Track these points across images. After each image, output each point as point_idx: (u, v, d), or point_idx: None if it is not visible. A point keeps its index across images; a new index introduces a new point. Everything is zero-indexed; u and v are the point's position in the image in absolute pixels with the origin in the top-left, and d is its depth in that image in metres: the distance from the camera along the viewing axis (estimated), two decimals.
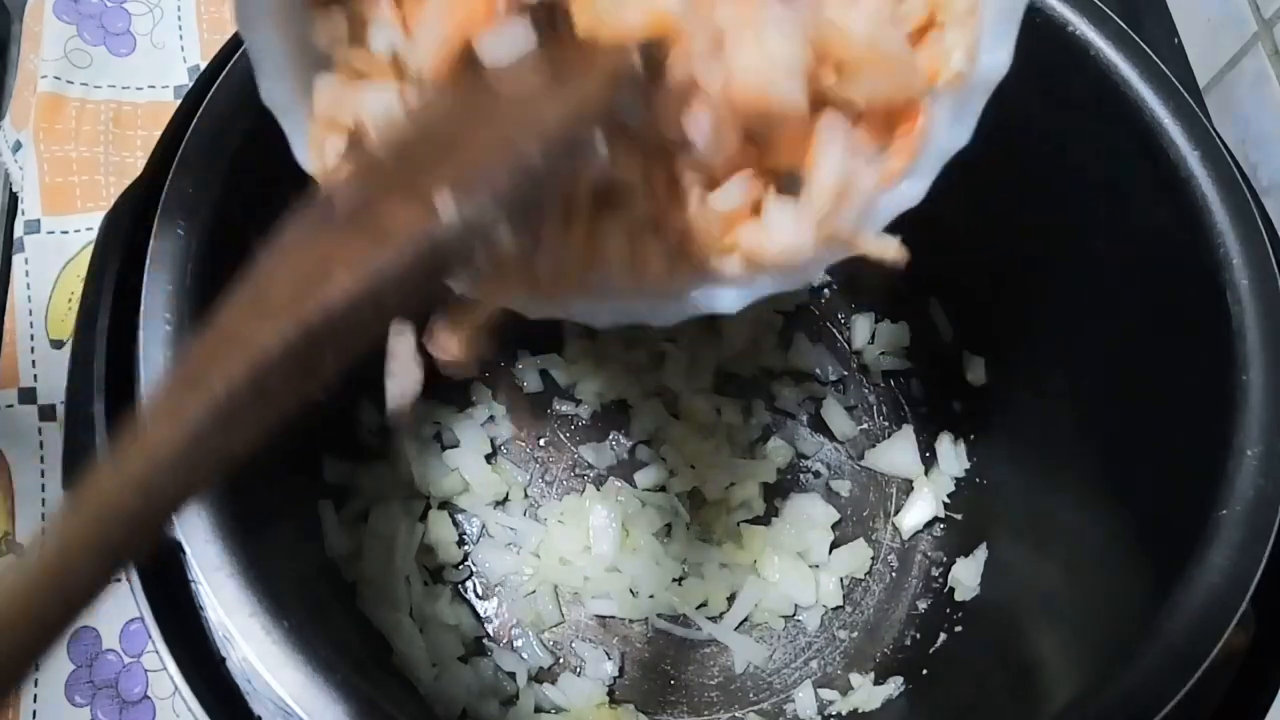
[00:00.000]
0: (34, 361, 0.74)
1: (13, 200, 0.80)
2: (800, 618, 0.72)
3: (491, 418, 0.75)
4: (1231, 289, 0.49)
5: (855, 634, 0.72)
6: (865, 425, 0.79)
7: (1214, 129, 0.53)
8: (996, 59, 0.38)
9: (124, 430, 0.29)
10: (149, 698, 0.67)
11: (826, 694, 0.69)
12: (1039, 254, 0.64)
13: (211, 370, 0.29)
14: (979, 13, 0.38)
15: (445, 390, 0.75)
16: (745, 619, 0.71)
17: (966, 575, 0.70)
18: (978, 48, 0.38)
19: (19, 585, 0.26)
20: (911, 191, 0.40)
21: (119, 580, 0.31)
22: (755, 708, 0.68)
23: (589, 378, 0.76)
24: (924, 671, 0.68)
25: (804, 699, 0.68)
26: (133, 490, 0.28)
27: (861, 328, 0.80)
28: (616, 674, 0.68)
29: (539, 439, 0.76)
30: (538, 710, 0.67)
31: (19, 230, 0.78)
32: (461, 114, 0.36)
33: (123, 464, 0.28)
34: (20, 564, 0.27)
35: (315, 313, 0.30)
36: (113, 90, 0.84)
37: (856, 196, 0.39)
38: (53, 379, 0.74)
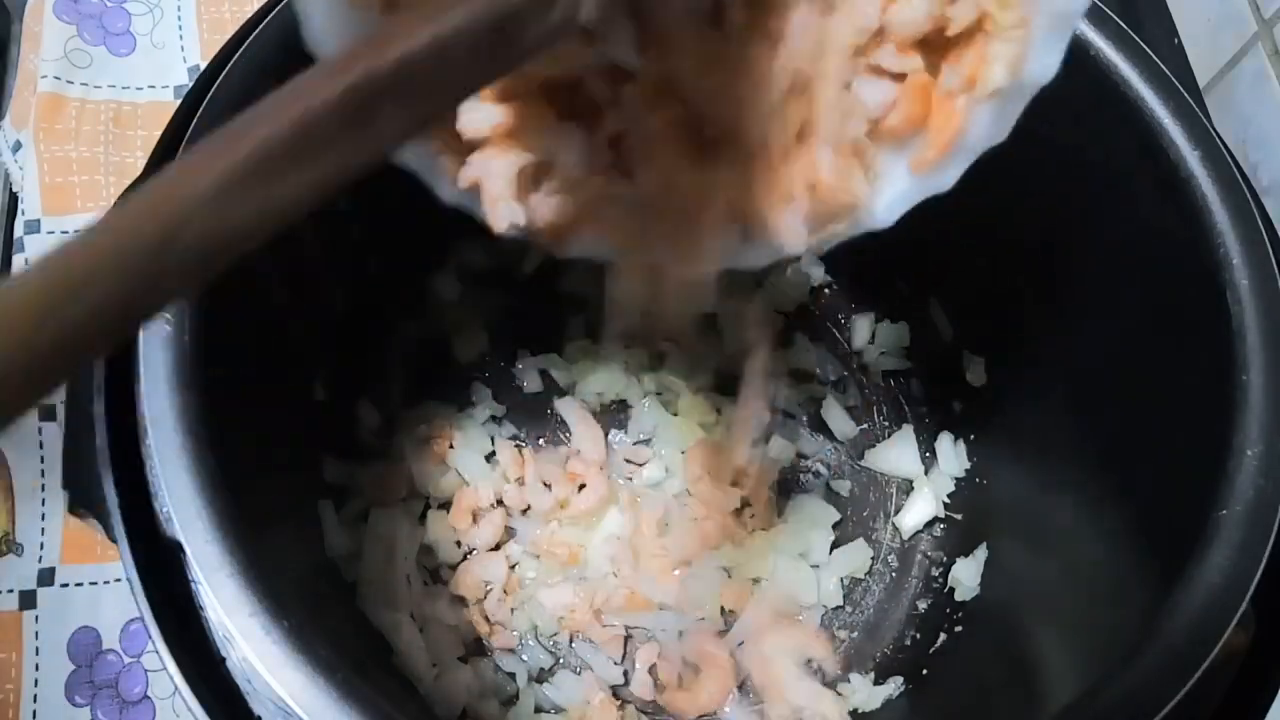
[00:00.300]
0: None
1: (13, 200, 0.80)
2: (801, 618, 0.72)
3: (492, 417, 0.75)
4: (1231, 289, 0.49)
5: (855, 634, 0.72)
6: (865, 425, 0.79)
7: (1214, 129, 0.53)
8: (1045, 65, 0.38)
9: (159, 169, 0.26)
10: (149, 698, 0.67)
11: (827, 694, 0.68)
12: (1039, 254, 0.64)
13: (259, 120, 0.28)
14: (1029, 28, 0.38)
15: (445, 390, 0.75)
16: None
17: (966, 575, 0.70)
18: (1022, 63, 0.38)
19: (22, 297, 0.24)
20: (942, 180, 0.40)
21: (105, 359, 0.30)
22: (756, 708, 0.68)
23: (589, 377, 0.76)
24: (924, 671, 0.68)
25: (804, 699, 0.68)
26: (162, 220, 0.26)
27: (861, 328, 0.80)
28: (617, 674, 0.68)
29: (539, 439, 0.76)
30: (538, 710, 0.67)
31: (19, 230, 0.78)
32: None
33: (155, 191, 0.26)
34: (27, 276, 0.24)
35: (374, 60, 0.29)
36: (113, 90, 0.84)
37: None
38: None
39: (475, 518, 0.70)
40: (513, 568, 0.70)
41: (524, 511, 0.72)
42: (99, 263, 0.25)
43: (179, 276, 0.27)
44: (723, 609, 0.70)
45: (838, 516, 0.74)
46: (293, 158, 0.28)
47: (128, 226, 0.26)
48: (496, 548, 0.70)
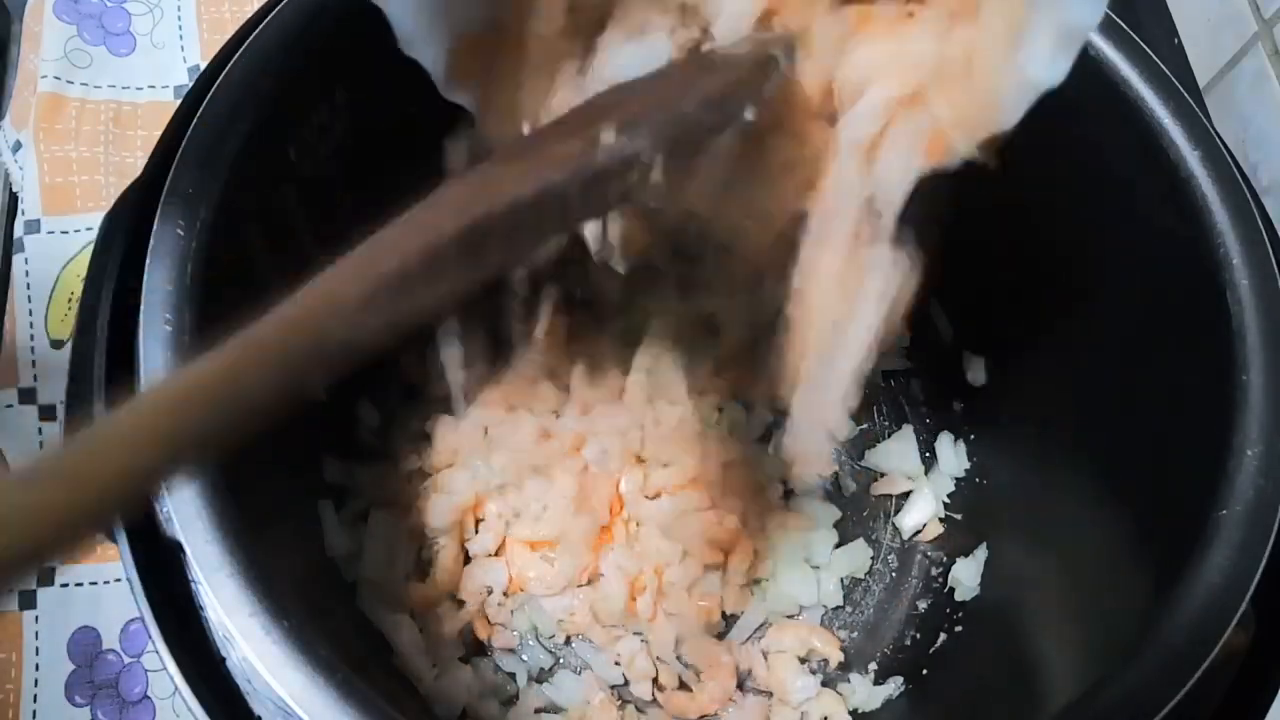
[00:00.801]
0: (34, 361, 0.74)
1: (13, 200, 0.80)
2: (801, 618, 0.72)
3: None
4: (1231, 289, 0.49)
5: (855, 634, 0.72)
6: (865, 425, 0.79)
7: (1214, 129, 0.53)
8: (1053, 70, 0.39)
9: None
10: (149, 698, 0.67)
11: (827, 694, 0.68)
12: (1039, 254, 0.64)
13: (391, 246, 0.33)
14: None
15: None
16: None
17: (966, 575, 0.70)
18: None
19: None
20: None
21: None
22: (757, 708, 0.68)
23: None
24: (924, 671, 0.68)
25: (805, 698, 0.68)
26: (313, 330, 0.30)
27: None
28: (617, 675, 0.68)
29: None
30: (538, 711, 0.67)
31: (19, 230, 0.78)
32: (620, 87, 0.43)
33: (307, 302, 0.31)
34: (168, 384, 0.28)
35: (489, 205, 0.35)
36: (113, 90, 0.84)
37: None
38: (53, 379, 0.74)
39: (474, 518, 0.70)
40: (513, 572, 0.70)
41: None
42: (260, 362, 0.30)
43: (319, 376, 0.32)
44: (723, 611, 0.70)
45: (838, 515, 0.74)
46: (419, 280, 0.33)
47: (287, 332, 0.31)
48: (497, 553, 0.70)
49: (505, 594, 0.69)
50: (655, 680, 0.68)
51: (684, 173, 0.41)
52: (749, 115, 0.41)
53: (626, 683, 0.68)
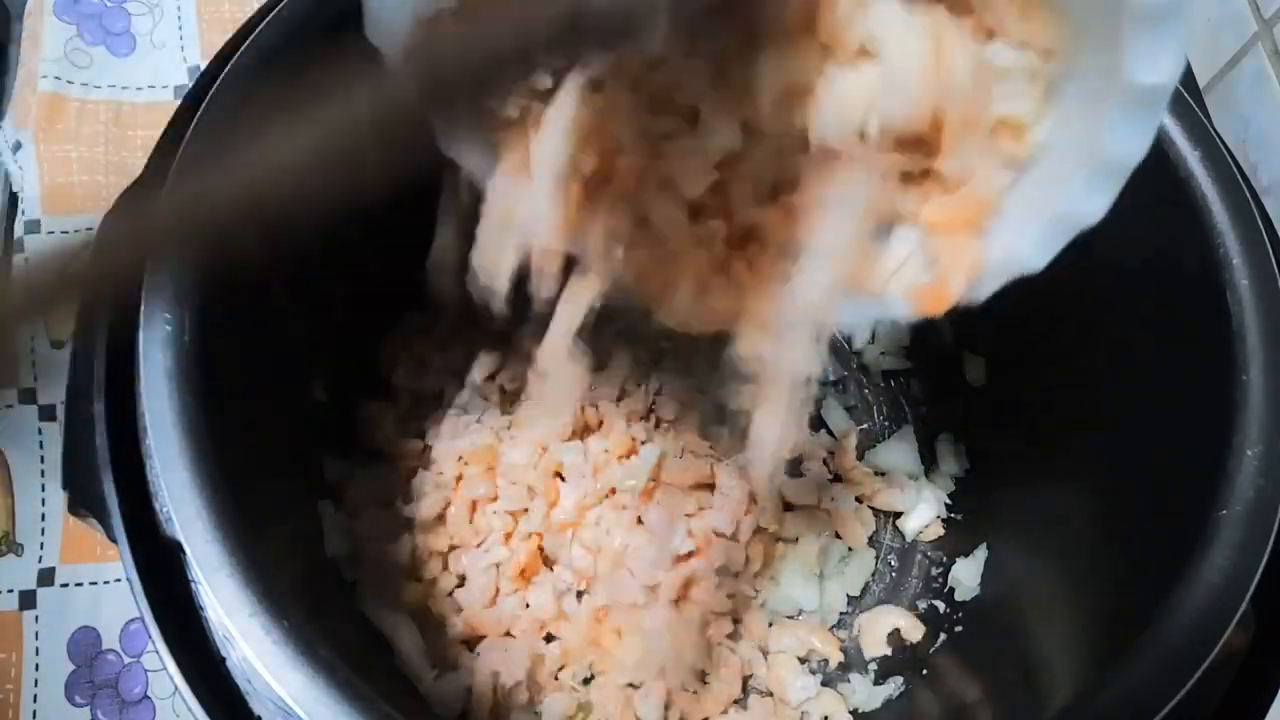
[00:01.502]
0: (34, 361, 0.74)
1: (13, 200, 0.80)
2: (801, 618, 0.72)
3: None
4: (1231, 289, 0.49)
5: (856, 634, 0.72)
6: (865, 425, 0.79)
7: (1214, 129, 0.53)
8: (1092, 209, 0.39)
9: None
10: (149, 698, 0.67)
11: (827, 694, 0.68)
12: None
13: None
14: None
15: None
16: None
17: (966, 575, 0.70)
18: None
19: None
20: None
21: None
22: (759, 710, 0.68)
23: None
24: (924, 671, 0.68)
25: (805, 698, 0.68)
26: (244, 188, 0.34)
27: (861, 328, 0.80)
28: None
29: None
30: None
31: (19, 230, 0.78)
32: None
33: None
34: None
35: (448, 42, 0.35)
36: (113, 90, 0.84)
37: None
38: (53, 379, 0.74)
39: (473, 519, 0.70)
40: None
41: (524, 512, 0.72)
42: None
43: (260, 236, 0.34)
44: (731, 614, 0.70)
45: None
46: (370, 145, 0.34)
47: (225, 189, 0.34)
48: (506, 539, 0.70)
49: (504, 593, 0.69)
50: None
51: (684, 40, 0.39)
52: None
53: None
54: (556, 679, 0.67)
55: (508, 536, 0.69)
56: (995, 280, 0.42)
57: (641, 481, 0.69)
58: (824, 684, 0.69)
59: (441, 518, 0.70)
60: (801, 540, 0.73)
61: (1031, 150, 0.40)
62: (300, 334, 0.63)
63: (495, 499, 0.70)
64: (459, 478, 0.70)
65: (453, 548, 0.69)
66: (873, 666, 0.70)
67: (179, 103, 0.53)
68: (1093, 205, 0.38)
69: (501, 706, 0.65)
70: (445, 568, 0.69)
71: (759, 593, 0.71)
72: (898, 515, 0.75)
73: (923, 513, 0.74)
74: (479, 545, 0.69)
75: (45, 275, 0.31)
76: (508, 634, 0.68)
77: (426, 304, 0.76)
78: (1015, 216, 0.41)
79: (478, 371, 0.73)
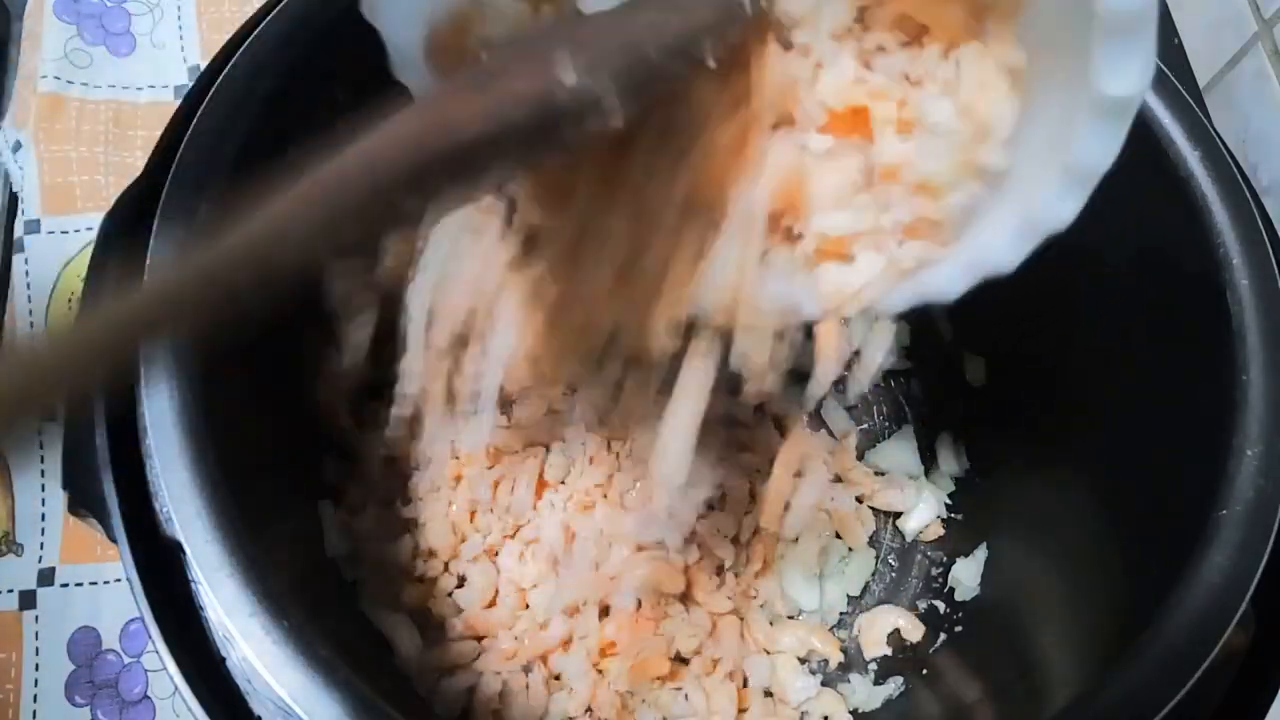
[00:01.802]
0: None
1: (13, 200, 0.80)
2: (801, 618, 0.72)
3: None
4: (1231, 289, 0.49)
5: (855, 634, 0.72)
6: (865, 425, 0.79)
7: (1214, 129, 0.53)
8: (1060, 213, 0.39)
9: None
10: (149, 698, 0.67)
11: (827, 693, 0.68)
12: (1038, 254, 0.64)
13: (335, 180, 0.34)
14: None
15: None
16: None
17: (966, 575, 0.70)
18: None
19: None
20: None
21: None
22: (756, 707, 0.68)
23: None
24: (924, 671, 0.68)
25: (805, 698, 0.68)
26: (252, 251, 0.33)
27: (861, 327, 0.80)
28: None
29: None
30: (541, 716, 0.67)
31: (19, 230, 0.78)
32: (582, 21, 0.41)
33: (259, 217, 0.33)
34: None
35: (441, 141, 0.35)
36: (113, 90, 0.84)
37: None
38: None
39: (473, 519, 0.70)
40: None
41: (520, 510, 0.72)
42: (208, 284, 0.32)
43: (259, 297, 0.33)
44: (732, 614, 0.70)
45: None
46: (366, 211, 0.34)
47: (231, 259, 0.33)
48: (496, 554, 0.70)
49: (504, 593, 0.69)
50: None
51: (637, 120, 0.40)
52: (710, 62, 0.40)
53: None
54: (558, 679, 0.67)
55: (508, 537, 0.69)
56: (966, 279, 0.42)
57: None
58: (824, 684, 0.69)
59: (441, 518, 0.70)
60: (801, 540, 0.72)
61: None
62: (300, 334, 0.63)
63: (495, 499, 0.70)
64: (459, 477, 0.70)
65: (454, 547, 0.69)
66: (873, 666, 0.70)
67: (179, 103, 0.53)
68: (1063, 210, 0.39)
69: (502, 707, 0.65)
70: (445, 568, 0.69)
71: (759, 593, 0.71)
72: (898, 515, 0.75)
73: (923, 513, 0.74)
74: (479, 546, 0.69)
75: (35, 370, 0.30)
76: (508, 634, 0.68)
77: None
78: (987, 219, 0.41)
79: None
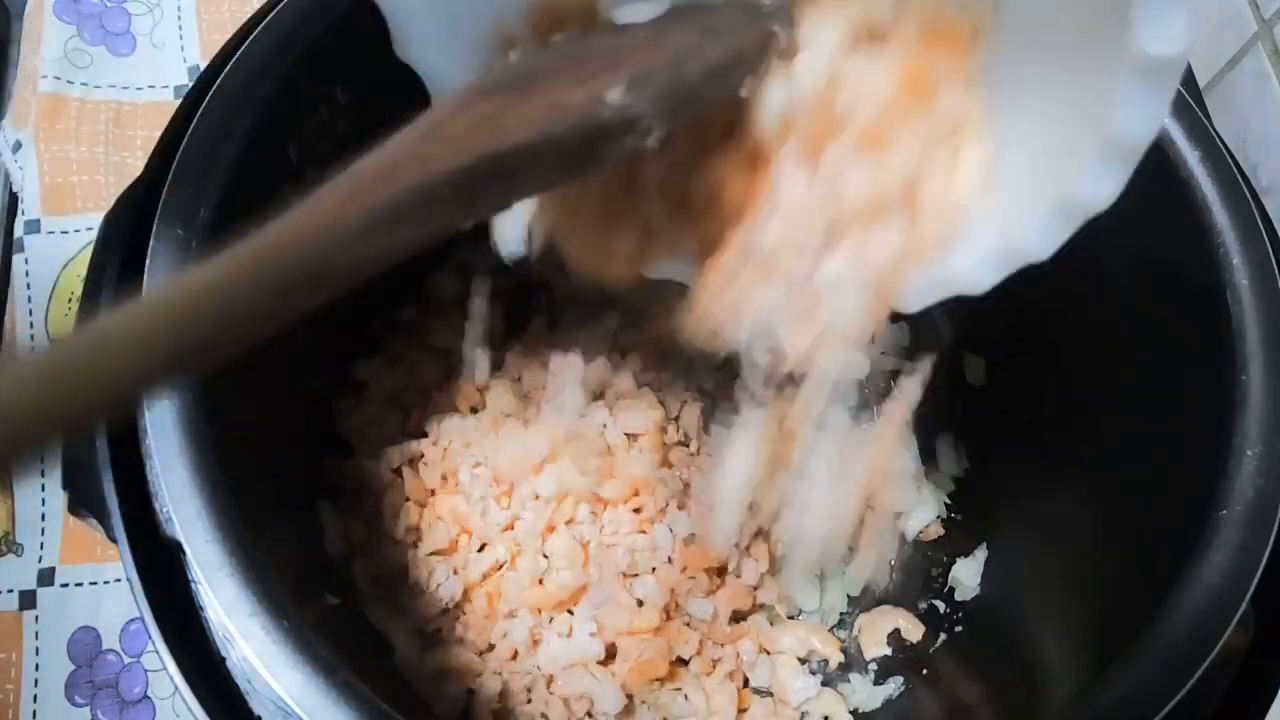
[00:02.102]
0: None
1: (13, 200, 0.80)
2: (802, 619, 0.72)
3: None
4: (1231, 289, 0.49)
5: (856, 634, 0.72)
6: (865, 425, 0.79)
7: (1214, 129, 0.53)
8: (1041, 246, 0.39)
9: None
10: (149, 698, 0.67)
11: (827, 693, 0.68)
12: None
13: (379, 181, 0.32)
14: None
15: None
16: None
17: (966, 575, 0.70)
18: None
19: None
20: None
21: None
22: (756, 707, 0.68)
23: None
24: (924, 671, 0.68)
25: (805, 698, 0.68)
26: (319, 248, 0.30)
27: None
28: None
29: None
30: (543, 716, 0.67)
31: (19, 230, 0.78)
32: (624, 34, 0.42)
33: (305, 223, 0.31)
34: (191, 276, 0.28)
35: (489, 145, 0.34)
36: (113, 90, 0.84)
37: None
38: None
39: (474, 520, 0.70)
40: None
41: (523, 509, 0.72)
42: (248, 282, 0.29)
43: (301, 299, 0.31)
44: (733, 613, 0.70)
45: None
46: (411, 214, 0.32)
47: (276, 254, 0.30)
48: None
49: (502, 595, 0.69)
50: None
51: (671, 142, 0.40)
52: (744, 92, 0.40)
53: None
54: (557, 679, 0.67)
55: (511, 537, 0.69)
56: (998, 270, 0.41)
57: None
58: (824, 684, 0.69)
59: (442, 519, 0.70)
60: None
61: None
62: (300, 334, 0.63)
63: (495, 499, 0.70)
64: (458, 477, 0.70)
65: (453, 548, 0.69)
66: (873, 666, 0.70)
67: (179, 103, 0.53)
68: (1103, 189, 0.37)
69: (502, 708, 0.65)
70: (452, 570, 0.69)
71: (759, 593, 0.71)
72: (898, 515, 0.75)
73: (923, 513, 0.74)
74: (480, 547, 0.69)
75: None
76: (508, 635, 0.68)
77: (424, 300, 0.76)
78: (1016, 204, 0.40)
79: (479, 371, 0.73)
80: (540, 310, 0.78)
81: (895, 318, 0.78)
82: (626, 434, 0.71)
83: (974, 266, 0.41)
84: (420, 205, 0.32)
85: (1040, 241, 0.39)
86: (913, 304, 0.43)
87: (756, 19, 0.41)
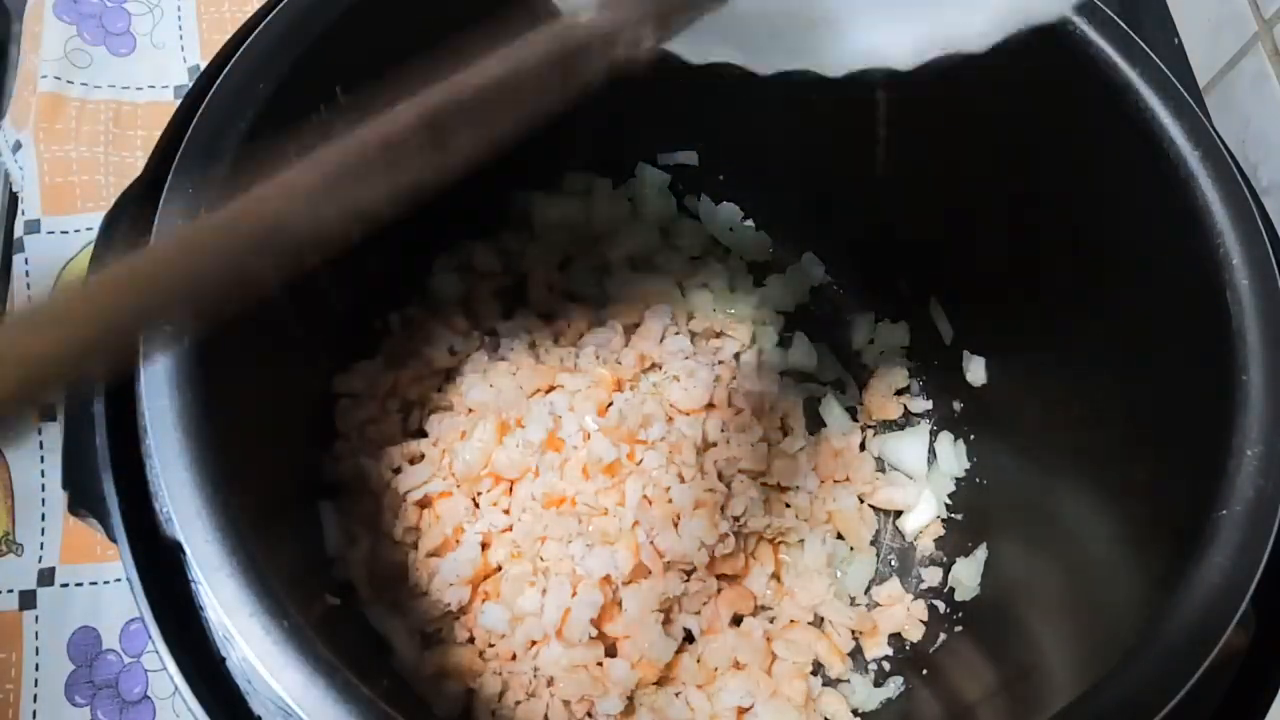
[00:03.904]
0: None
1: (13, 200, 0.80)
2: (802, 620, 0.72)
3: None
4: (1231, 289, 0.49)
5: (856, 634, 0.72)
6: (865, 425, 0.79)
7: (1214, 129, 0.53)
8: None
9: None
10: (149, 698, 0.67)
11: (828, 694, 0.68)
12: (1039, 254, 0.64)
13: (344, 141, 0.32)
14: None
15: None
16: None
17: (966, 575, 0.70)
18: None
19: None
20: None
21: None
22: (761, 709, 0.68)
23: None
24: (924, 671, 0.68)
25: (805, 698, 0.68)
26: (270, 215, 0.31)
27: (861, 328, 0.80)
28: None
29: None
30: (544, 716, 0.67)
31: (19, 230, 0.78)
32: None
33: (266, 188, 0.31)
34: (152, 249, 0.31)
35: (446, 95, 0.33)
36: (113, 90, 0.84)
37: None
38: None
39: (474, 520, 0.70)
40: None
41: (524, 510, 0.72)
42: (210, 246, 0.31)
43: (275, 267, 0.31)
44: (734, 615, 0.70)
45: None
46: (378, 168, 0.32)
47: (239, 220, 0.31)
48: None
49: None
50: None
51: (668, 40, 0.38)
52: None
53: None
54: (558, 680, 0.67)
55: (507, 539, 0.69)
56: (932, 49, 0.39)
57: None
58: (824, 684, 0.69)
59: (442, 518, 0.70)
60: (806, 543, 0.72)
61: None
62: (300, 334, 0.63)
63: (495, 500, 0.70)
64: (459, 477, 0.70)
65: (452, 548, 0.69)
66: (873, 666, 0.70)
67: (179, 103, 0.53)
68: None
69: (502, 708, 0.65)
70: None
71: (759, 593, 0.71)
72: (898, 515, 0.75)
73: (923, 512, 0.74)
74: (480, 547, 0.69)
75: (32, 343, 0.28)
76: (508, 636, 0.68)
77: (424, 300, 0.76)
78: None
79: (479, 368, 0.73)
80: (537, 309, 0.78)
81: (897, 315, 0.79)
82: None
83: (981, 24, 0.40)
84: (385, 158, 0.32)
85: (979, 37, 0.39)
86: (909, 58, 0.41)
87: None
